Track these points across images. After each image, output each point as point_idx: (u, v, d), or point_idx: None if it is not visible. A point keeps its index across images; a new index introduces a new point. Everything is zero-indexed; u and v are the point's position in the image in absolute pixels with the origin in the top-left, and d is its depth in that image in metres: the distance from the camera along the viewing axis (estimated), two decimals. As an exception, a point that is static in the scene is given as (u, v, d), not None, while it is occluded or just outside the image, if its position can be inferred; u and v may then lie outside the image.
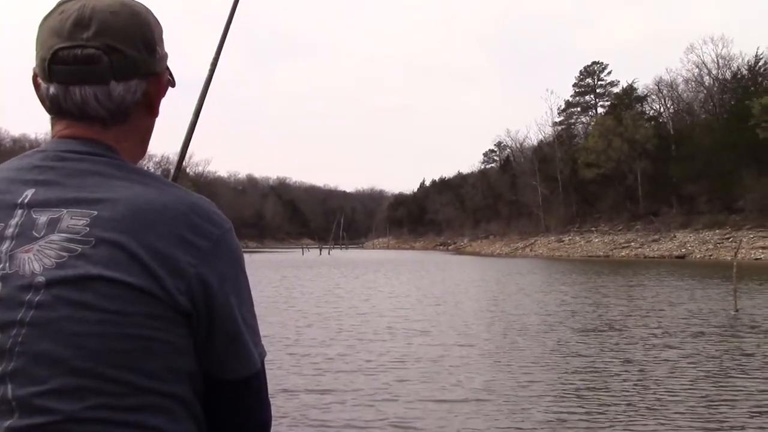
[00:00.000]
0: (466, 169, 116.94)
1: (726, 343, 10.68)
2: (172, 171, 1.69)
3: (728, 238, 47.47)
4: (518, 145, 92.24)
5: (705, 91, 64.04)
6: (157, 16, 1.07)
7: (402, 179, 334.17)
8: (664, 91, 68.63)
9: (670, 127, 66.28)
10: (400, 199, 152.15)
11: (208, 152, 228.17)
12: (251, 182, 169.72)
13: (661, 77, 69.17)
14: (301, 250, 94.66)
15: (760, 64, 59.00)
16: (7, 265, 0.89)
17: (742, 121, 51.77)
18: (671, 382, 8.01)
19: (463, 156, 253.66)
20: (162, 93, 1.08)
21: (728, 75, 61.96)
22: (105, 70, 0.97)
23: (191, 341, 0.95)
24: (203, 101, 1.91)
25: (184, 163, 1.75)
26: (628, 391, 7.63)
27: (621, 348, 10.50)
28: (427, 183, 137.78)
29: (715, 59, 63.02)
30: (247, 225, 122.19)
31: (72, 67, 0.97)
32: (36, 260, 0.89)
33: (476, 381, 8.26)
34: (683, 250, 49.50)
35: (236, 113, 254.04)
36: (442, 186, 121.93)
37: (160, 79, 1.06)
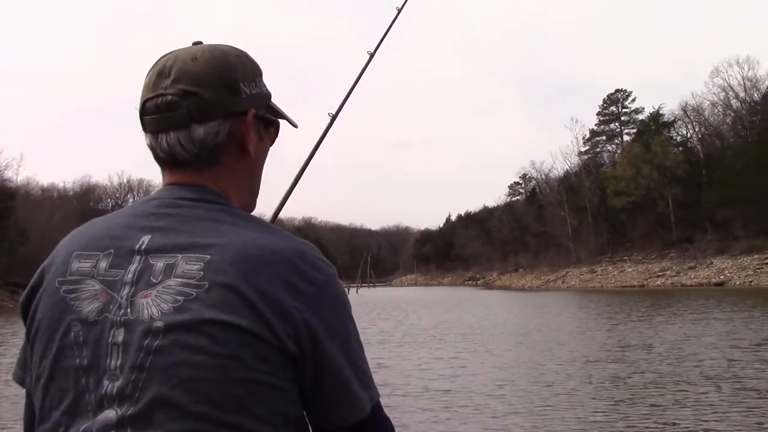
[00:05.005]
0: (491, 203, 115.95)
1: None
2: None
3: (768, 263, 46.01)
4: (544, 176, 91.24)
5: (733, 114, 62.95)
6: (250, 56, 1.10)
7: (427, 215, 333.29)
8: (691, 116, 67.63)
9: (699, 151, 65.13)
10: (426, 235, 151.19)
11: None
12: (277, 223, 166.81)
13: (687, 102, 67.95)
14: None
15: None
16: (129, 310, 0.94)
17: (775, 143, 50.60)
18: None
19: (488, 189, 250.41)
20: (250, 132, 1.08)
21: (756, 97, 60.83)
22: (184, 115, 1.01)
23: (297, 387, 0.97)
24: (314, 154, 2.12)
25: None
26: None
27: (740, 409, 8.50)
28: (453, 218, 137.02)
29: (742, 82, 61.99)
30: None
31: (156, 116, 1.02)
32: (154, 305, 0.93)
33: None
34: (722, 277, 47.91)
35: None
36: (468, 220, 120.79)
37: (244, 119, 1.06)
